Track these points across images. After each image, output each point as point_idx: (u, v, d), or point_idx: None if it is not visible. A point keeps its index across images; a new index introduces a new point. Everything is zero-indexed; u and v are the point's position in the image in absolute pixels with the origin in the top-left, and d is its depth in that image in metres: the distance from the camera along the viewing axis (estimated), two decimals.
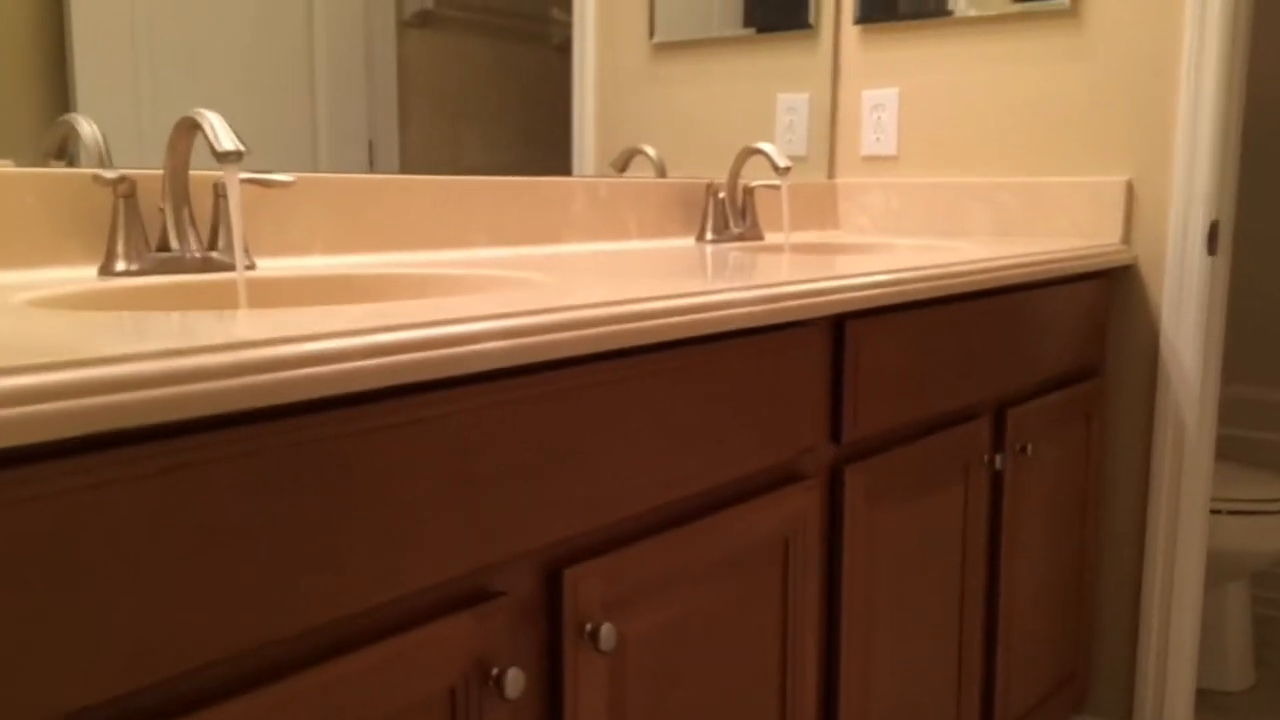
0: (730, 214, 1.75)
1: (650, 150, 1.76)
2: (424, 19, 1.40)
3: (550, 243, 1.53)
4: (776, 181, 1.77)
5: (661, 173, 1.76)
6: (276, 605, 0.66)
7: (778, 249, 1.71)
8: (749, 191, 1.78)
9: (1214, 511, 2.04)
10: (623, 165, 1.71)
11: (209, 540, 0.63)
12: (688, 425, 0.97)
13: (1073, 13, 1.82)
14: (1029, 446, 1.54)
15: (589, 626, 0.87)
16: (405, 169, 1.37)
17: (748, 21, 1.93)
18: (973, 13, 1.92)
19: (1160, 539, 1.81)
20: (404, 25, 1.37)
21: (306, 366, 0.64)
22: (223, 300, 1.00)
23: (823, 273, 1.14)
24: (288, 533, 0.67)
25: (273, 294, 1.03)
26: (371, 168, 1.33)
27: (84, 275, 1.02)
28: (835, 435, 1.19)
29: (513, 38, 1.50)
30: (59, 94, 1.06)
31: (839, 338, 1.18)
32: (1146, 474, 1.81)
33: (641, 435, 0.92)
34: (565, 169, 1.59)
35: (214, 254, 1.08)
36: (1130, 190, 1.79)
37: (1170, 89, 1.74)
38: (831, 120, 2.10)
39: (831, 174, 2.11)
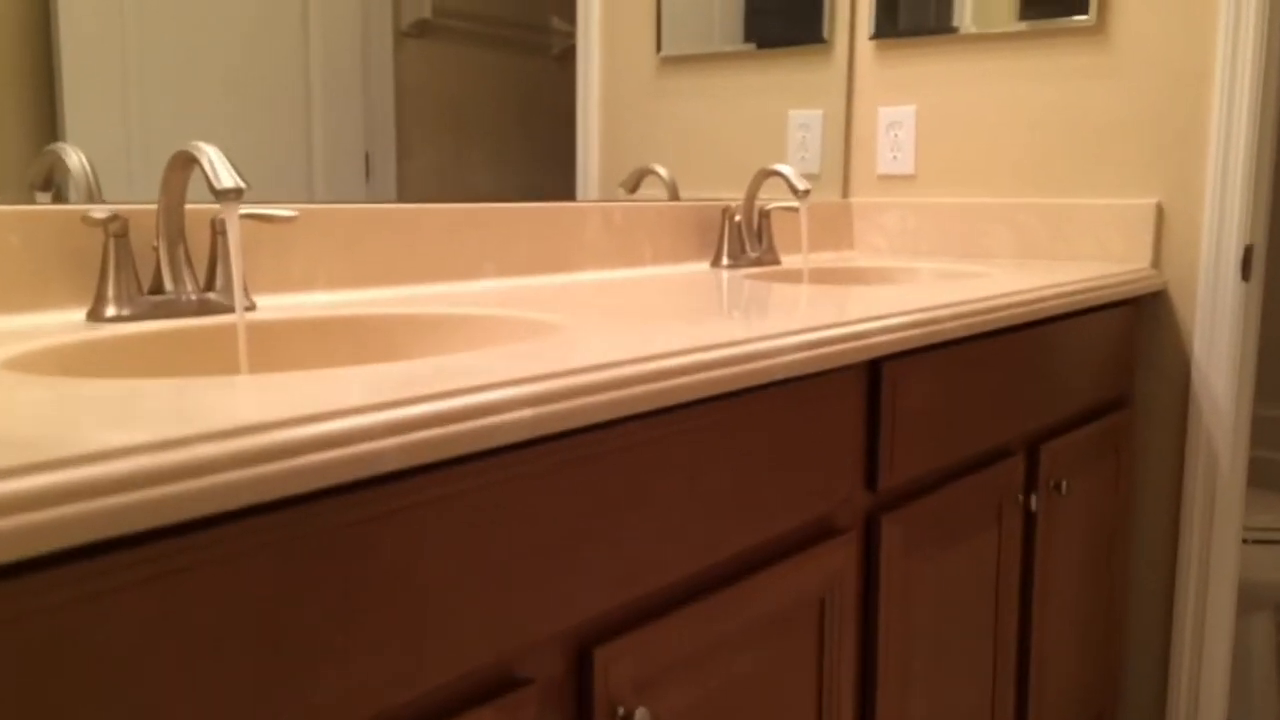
0: (746, 237, 1.69)
1: (662, 170, 1.69)
2: (421, 29, 1.34)
3: (563, 270, 1.46)
4: (795, 204, 1.70)
5: (674, 193, 1.69)
6: (284, 717, 0.59)
7: (797, 275, 1.64)
8: (765, 214, 1.72)
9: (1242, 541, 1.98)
10: (633, 186, 1.64)
11: (208, 653, 0.56)
12: (721, 484, 0.90)
13: (1099, 29, 1.76)
14: (1063, 484, 1.47)
15: (621, 711, 0.80)
16: (402, 182, 1.30)
17: (748, 36, 1.87)
18: (993, 29, 1.86)
19: (1192, 573, 1.74)
20: (401, 35, 1.32)
21: (318, 451, 0.58)
22: (222, 350, 0.93)
23: (859, 311, 1.07)
24: (296, 634, 0.60)
25: (275, 342, 0.96)
26: (368, 181, 1.27)
27: (71, 320, 0.95)
28: (870, 483, 1.12)
29: (512, 48, 1.44)
30: (46, 114, 0.99)
31: (874, 380, 1.11)
32: (1177, 507, 1.75)
33: (673, 498, 0.85)
34: (569, 182, 1.52)
35: (211, 295, 1.01)
36: (1160, 213, 1.73)
37: (1202, 107, 1.68)
38: (846, 137, 2.04)
39: (846, 193, 2.05)
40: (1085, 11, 1.77)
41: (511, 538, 0.72)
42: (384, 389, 0.65)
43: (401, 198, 1.30)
